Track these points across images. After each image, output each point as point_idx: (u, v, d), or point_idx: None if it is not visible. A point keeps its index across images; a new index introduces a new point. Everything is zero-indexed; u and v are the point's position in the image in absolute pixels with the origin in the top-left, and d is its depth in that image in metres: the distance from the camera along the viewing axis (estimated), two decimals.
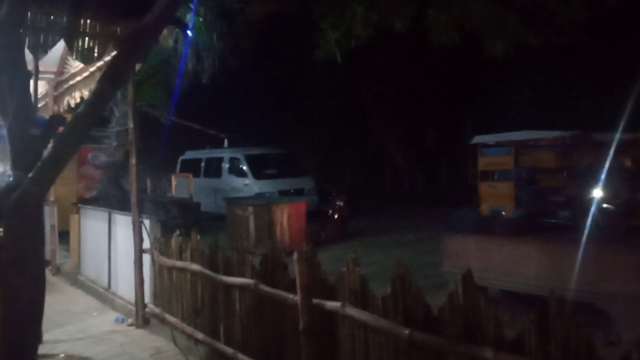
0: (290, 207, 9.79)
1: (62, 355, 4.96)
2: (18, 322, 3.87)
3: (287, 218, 9.57)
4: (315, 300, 3.40)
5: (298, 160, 16.32)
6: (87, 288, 7.63)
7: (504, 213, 10.21)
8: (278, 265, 3.91)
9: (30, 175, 3.69)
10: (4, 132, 3.88)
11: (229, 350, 4.28)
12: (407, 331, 2.79)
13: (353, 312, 3.16)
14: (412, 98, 20.53)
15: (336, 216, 10.80)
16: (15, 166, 3.85)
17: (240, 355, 4.14)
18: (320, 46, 6.66)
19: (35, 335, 4.01)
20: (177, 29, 6.69)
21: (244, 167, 14.66)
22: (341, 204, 10.95)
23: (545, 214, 9.48)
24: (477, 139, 11.78)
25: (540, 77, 16.73)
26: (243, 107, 21.90)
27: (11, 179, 3.77)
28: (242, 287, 4.21)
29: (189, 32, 7.09)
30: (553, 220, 8.98)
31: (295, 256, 3.47)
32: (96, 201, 10.36)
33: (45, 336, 4.37)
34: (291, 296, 3.60)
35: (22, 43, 4.30)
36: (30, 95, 4.20)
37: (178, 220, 11.96)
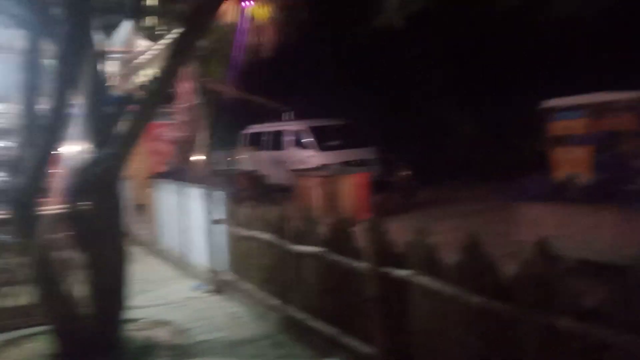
0: (354, 177, 9.79)
1: (145, 319, 5.26)
2: (104, 288, 4.16)
3: (351, 189, 9.59)
4: (383, 269, 3.42)
5: (361, 131, 16.19)
6: (165, 257, 8.04)
7: (579, 180, 9.72)
8: (345, 234, 3.94)
9: (108, 151, 3.90)
10: (81, 111, 4.10)
11: (301, 316, 4.40)
12: (478, 299, 2.75)
13: (422, 280, 3.15)
14: (477, 61, 19.71)
15: (401, 186, 10.70)
16: (94, 142, 4.08)
17: (312, 321, 4.25)
18: (382, 12, 6.50)
19: (120, 301, 4.30)
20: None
21: (308, 139, 14.75)
22: (406, 173, 10.82)
23: (625, 180, 8.93)
24: (549, 103, 11.20)
25: (614, 35, 15.55)
26: (304, 78, 21.86)
27: (92, 156, 4.00)
28: (311, 256, 4.29)
29: (248, 6, 7.15)
30: (633, 187, 8.45)
31: (362, 225, 3.49)
32: (169, 175, 10.80)
33: (129, 302, 4.65)
34: (359, 264, 3.63)
35: (92, 24, 4.50)
36: (103, 75, 4.40)
37: (245, 192, 12.27)
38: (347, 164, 13.44)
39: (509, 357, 2.69)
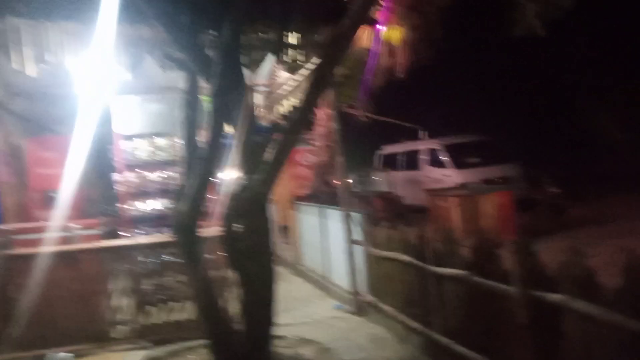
0: (496, 196, 9.36)
1: (293, 337, 5.50)
2: (255, 305, 4.44)
3: (493, 208, 9.16)
4: (534, 292, 3.23)
5: (501, 147, 15.46)
6: (307, 277, 8.35)
7: None
8: (490, 256, 3.79)
9: (257, 177, 4.20)
10: (232, 141, 4.48)
11: (445, 340, 4.29)
12: None
13: (579, 305, 2.91)
14: (630, 59, 17.76)
15: (549, 204, 9.99)
16: (244, 169, 4.42)
17: (456, 346, 4.12)
18: (518, 21, 6.24)
19: (269, 318, 4.55)
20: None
21: (443, 158, 14.44)
22: (554, 190, 10.09)
23: None
24: None
25: None
26: (438, 96, 21.54)
27: (242, 181, 4.34)
28: (453, 278, 4.19)
29: (380, 29, 7.28)
30: None
31: (509, 247, 3.33)
32: (309, 198, 11.24)
33: (277, 319, 4.90)
34: (507, 288, 3.46)
35: (241, 62, 4.92)
36: (251, 107, 4.77)
37: (382, 213, 12.33)
38: (487, 182, 12.89)
39: None
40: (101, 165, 10.92)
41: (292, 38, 5.83)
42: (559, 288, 3.10)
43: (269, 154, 4.27)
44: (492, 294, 3.69)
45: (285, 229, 10.13)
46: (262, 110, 10.19)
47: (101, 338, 5.52)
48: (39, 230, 6.17)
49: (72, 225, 6.44)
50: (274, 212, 9.79)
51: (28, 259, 5.34)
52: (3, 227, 6.14)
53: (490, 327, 3.79)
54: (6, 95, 8.74)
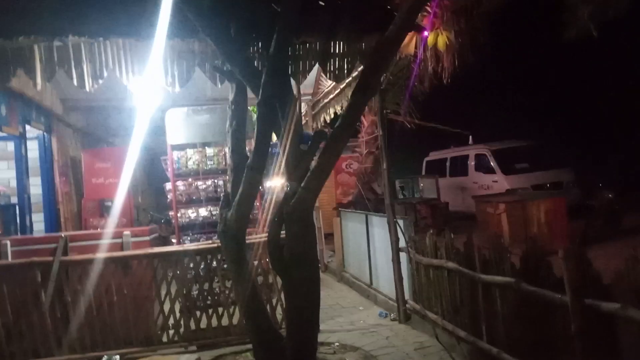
0: (547, 202, 9.09)
1: (337, 344, 5.52)
2: (300, 310, 4.48)
3: (544, 215, 8.91)
4: (587, 301, 3.13)
5: (553, 151, 15.00)
6: (352, 284, 8.34)
7: None
8: (541, 263, 3.70)
9: (302, 184, 4.25)
10: (280, 149, 4.55)
11: (493, 350, 4.20)
12: None
13: (636, 314, 2.81)
14: None
15: (605, 211, 9.62)
16: (290, 177, 4.48)
17: (505, 356, 4.03)
18: (571, 24, 6.08)
19: (314, 323, 4.58)
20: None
21: (492, 163, 14.16)
22: (610, 196, 9.71)
23: None
24: None
25: None
26: (486, 101, 21.13)
27: (288, 188, 4.40)
28: (502, 286, 4.10)
29: (426, 35, 7.23)
30: None
31: (561, 254, 3.25)
32: (353, 205, 11.25)
33: (321, 326, 4.93)
34: (558, 296, 3.37)
35: (288, 72, 5.00)
36: (298, 116, 4.83)
37: (428, 220, 12.20)
38: (537, 187, 12.55)
39: None
40: (153, 175, 11.29)
41: (338, 46, 5.88)
42: (615, 297, 3.00)
43: (314, 162, 4.32)
44: (544, 303, 3.59)
45: (329, 236, 10.17)
46: (307, 118, 10.32)
47: (151, 342, 5.68)
48: (94, 237, 6.44)
49: (125, 232, 6.69)
50: (319, 219, 9.85)
51: (83, 264, 5.58)
52: (60, 234, 6.44)
53: (541, 337, 3.69)
54: (65, 109, 9.21)
